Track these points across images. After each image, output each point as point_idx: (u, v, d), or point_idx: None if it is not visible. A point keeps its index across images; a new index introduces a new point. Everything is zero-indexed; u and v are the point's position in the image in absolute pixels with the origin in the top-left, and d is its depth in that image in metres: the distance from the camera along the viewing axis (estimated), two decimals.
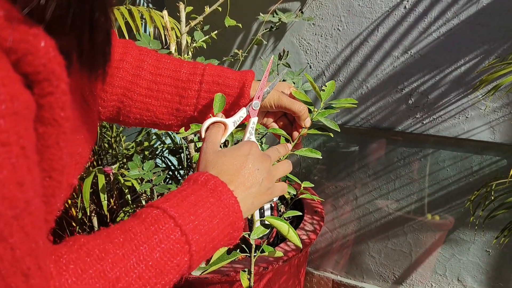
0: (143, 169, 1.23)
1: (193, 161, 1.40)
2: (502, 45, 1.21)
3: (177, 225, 0.45)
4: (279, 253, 0.85)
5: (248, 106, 0.64)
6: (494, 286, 1.45)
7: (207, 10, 1.28)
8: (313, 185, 0.98)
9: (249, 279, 0.88)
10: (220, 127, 0.59)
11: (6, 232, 0.29)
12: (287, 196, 0.75)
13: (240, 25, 1.36)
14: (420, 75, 1.34)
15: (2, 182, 0.28)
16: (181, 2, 1.25)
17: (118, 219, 1.42)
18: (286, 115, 0.72)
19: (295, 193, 0.80)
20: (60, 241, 0.42)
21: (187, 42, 1.31)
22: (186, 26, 1.29)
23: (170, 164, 1.63)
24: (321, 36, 1.46)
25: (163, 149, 1.62)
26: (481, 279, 1.46)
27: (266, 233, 0.81)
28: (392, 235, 1.57)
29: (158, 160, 1.66)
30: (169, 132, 1.59)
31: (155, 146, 1.63)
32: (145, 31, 1.55)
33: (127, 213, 1.41)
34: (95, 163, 1.55)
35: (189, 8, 1.28)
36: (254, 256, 0.87)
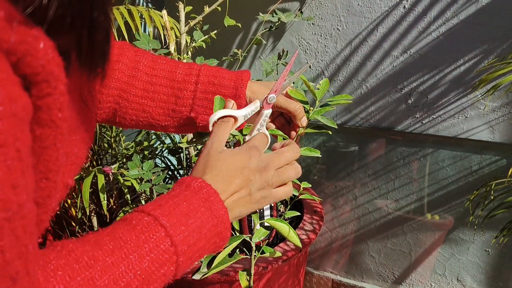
0: (142, 169, 1.23)
1: (192, 161, 1.40)
2: (502, 44, 1.21)
3: (167, 235, 0.44)
4: (278, 253, 0.85)
5: (263, 99, 0.60)
6: (493, 285, 1.45)
7: (207, 9, 1.28)
8: (311, 185, 0.98)
9: (249, 280, 0.88)
10: (229, 122, 0.57)
11: None
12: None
13: (239, 24, 1.35)
14: (419, 75, 1.34)
15: None
16: (180, 2, 1.24)
17: (117, 219, 1.42)
18: (283, 114, 0.71)
19: (295, 194, 0.80)
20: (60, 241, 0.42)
21: (186, 41, 1.31)
22: (185, 25, 1.28)
23: (169, 164, 1.63)
24: (321, 35, 1.46)
25: (163, 149, 1.61)
26: (481, 279, 1.46)
27: (267, 234, 0.81)
28: (391, 234, 1.57)
29: (157, 160, 1.66)
30: None
31: (154, 146, 1.62)
32: (144, 31, 1.55)
33: (127, 213, 1.41)
34: (94, 163, 1.55)
35: (189, 8, 1.28)
36: (255, 256, 0.87)
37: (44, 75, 0.32)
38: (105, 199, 1.31)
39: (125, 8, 1.31)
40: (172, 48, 1.25)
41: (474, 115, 1.30)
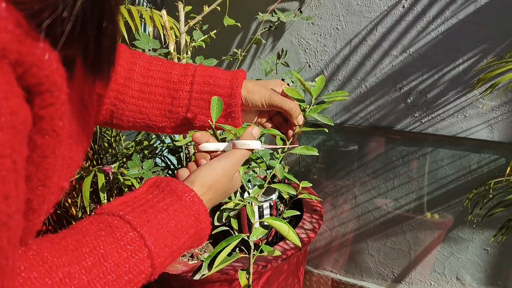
0: (142, 168, 1.23)
1: (192, 161, 1.40)
2: (500, 44, 1.21)
3: (149, 257, 0.44)
4: (277, 252, 0.86)
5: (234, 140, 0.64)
6: (492, 284, 1.45)
7: (206, 9, 1.28)
8: (311, 184, 0.98)
9: (248, 278, 0.88)
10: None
11: None
12: (285, 196, 0.75)
13: (239, 24, 1.36)
14: (418, 74, 1.35)
15: None
16: (180, 2, 1.25)
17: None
18: (281, 113, 0.71)
19: (294, 193, 0.81)
20: None
21: (186, 41, 1.31)
22: (185, 25, 1.29)
23: (169, 163, 1.63)
24: (320, 35, 1.46)
25: (163, 148, 1.62)
26: (480, 277, 1.47)
27: (265, 233, 0.81)
28: (391, 233, 1.58)
29: (157, 159, 1.66)
30: None
31: (154, 145, 1.63)
32: (144, 30, 1.55)
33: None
34: (94, 162, 1.55)
35: (188, 8, 1.28)
36: (253, 255, 0.88)
37: (48, 85, 0.32)
38: (105, 198, 1.31)
39: (125, 8, 1.31)
40: (171, 47, 1.25)
41: (473, 114, 1.30)
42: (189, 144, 1.32)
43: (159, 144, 1.63)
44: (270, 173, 0.76)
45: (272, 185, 0.78)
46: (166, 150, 1.63)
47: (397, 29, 1.33)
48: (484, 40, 1.23)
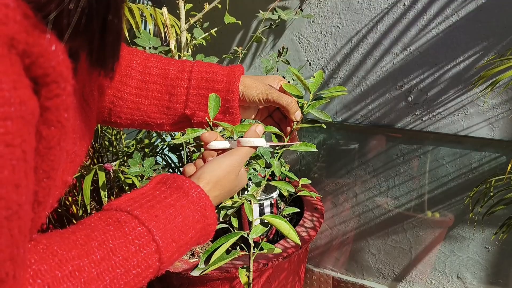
0: (143, 166, 1.23)
1: (193, 158, 1.40)
2: (501, 41, 1.21)
3: (157, 252, 0.45)
4: (277, 250, 0.86)
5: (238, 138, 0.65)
6: (493, 282, 1.45)
7: (207, 7, 1.28)
8: (310, 182, 0.98)
9: (248, 276, 0.88)
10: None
11: None
12: (285, 193, 0.75)
13: (239, 22, 1.36)
14: (419, 72, 1.35)
15: (1, 182, 0.28)
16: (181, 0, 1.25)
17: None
18: (280, 109, 0.71)
19: (293, 191, 0.80)
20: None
21: (186, 39, 1.31)
22: (185, 23, 1.29)
23: (170, 161, 1.63)
24: (321, 33, 1.46)
25: (164, 147, 1.62)
26: (481, 276, 1.47)
27: (265, 231, 0.81)
28: (391, 232, 1.58)
29: (158, 158, 1.66)
30: None
31: (155, 143, 1.63)
32: (145, 28, 1.55)
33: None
34: (95, 160, 1.55)
35: (189, 6, 1.28)
36: (253, 253, 0.88)
37: (54, 76, 0.32)
38: (106, 196, 1.31)
39: (125, 5, 1.31)
40: (172, 45, 1.25)
41: (473, 112, 1.30)
42: (188, 142, 1.32)
43: (160, 142, 1.63)
44: (269, 171, 0.76)
45: (271, 183, 0.78)
46: (167, 148, 1.63)
47: (398, 27, 1.33)
48: (485, 37, 1.22)
